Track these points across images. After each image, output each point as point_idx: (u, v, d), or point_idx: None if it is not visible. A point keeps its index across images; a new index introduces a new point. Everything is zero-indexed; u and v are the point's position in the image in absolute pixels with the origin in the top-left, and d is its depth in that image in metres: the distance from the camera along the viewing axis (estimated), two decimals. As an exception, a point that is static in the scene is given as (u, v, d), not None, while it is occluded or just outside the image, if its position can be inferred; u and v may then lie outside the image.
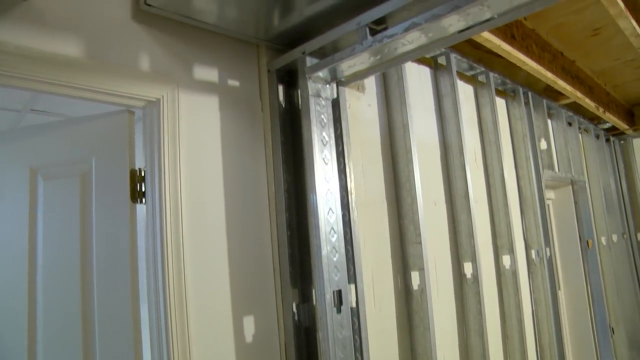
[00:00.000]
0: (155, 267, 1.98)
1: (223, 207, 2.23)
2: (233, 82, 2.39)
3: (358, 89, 2.78)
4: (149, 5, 2.05)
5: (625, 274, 6.28)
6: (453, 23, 1.88)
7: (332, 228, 2.25)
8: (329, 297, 2.18)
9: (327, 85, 2.37)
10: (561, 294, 5.34)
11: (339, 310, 2.21)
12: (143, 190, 2.08)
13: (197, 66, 2.27)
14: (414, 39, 1.98)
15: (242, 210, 2.30)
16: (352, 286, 2.35)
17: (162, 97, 2.08)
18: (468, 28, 1.94)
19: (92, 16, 1.95)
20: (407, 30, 1.90)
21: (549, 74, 3.87)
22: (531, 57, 3.57)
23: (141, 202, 2.08)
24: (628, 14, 3.07)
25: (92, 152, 2.18)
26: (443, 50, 3.30)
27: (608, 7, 2.94)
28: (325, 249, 2.19)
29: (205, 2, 2.07)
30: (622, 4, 2.92)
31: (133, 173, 2.09)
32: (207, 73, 2.30)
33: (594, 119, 6.07)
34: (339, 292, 2.24)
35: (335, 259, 2.24)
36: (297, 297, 2.35)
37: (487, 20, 1.89)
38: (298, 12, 2.24)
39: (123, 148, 2.12)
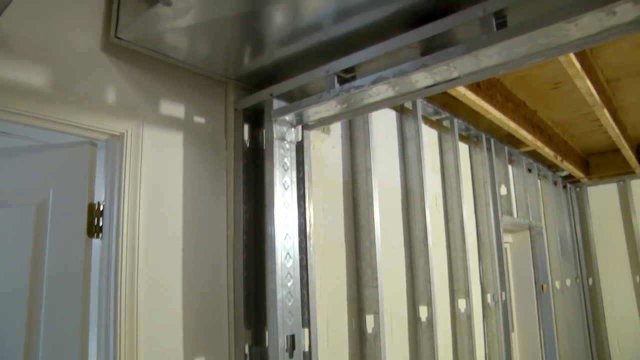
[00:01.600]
0: (107, 304, 1.95)
1: (181, 245, 2.21)
2: (199, 119, 2.40)
3: (323, 130, 2.81)
4: (120, 38, 2.05)
5: (576, 318, 6.42)
6: (420, 80, 1.94)
7: (289, 273, 2.26)
8: (282, 341, 2.17)
9: (293, 129, 2.40)
10: (514, 337, 5.42)
11: (291, 355, 2.20)
12: (100, 224, 2.05)
13: (164, 101, 2.26)
14: (381, 92, 2.02)
15: (200, 250, 2.29)
16: (306, 330, 2.35)
17: (127, 131, 2.07)
18: (435, 85, 2.00)
19: (60, 44, 1.92)
20: (374, 82, 1.94)
21: (512, 123, 3.99)
22: (495, 106, 3.68)
23: (97, 236, 2.04)
24: (584, 74, 3.20)
25: (50, 182, 2.14)
26: (409, 95, 3.37)
27: (566, 68, 3.06)
28: (280, 294, 2.19)
29: (177, 38, 2.08)
30: (578, 66, 3.04)
31: (91, 207, 2.06)
32: (174, 108, 2.30)
33: (553, 167, 6.25)
34: (292, 336, 2.23)
35: (290, 303, 2.23)
36: (250, 338, 2.33)
37: (454, 79, 1.95)
38: (268, 53, 2.26)
39: (83, 180, 2.09)
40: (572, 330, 6.20)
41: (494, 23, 1.72)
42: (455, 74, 1.86)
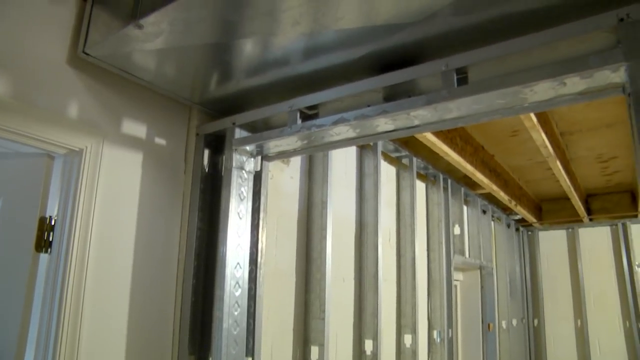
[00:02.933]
0: (49, 323, 1.91)
1: (131, 265, 2.19)
2: (160, 141, 2.40)
3: (283, 161, 2.85)
4: (87, 54, 2.04)
5: (520, 357, 6.54)
6: (380, 124, 2.00)
7: (237, 302, 2.26)
8: (224, 370, 2.16)
9: (252, 159, 2.42)
10: (458, 373, 5.50)
11: (232, 384, 2.19)
12: (50, 239, 2.02)
13: (127, 120, 2.26)
14: (341, 132, 2.07)
15: (150, 272, 2.27)
16: (250, 359, 2.35)
17: (86, 147, 2.05)
18: (395, 130, 2.05)
19: (23, 54, 1.90)
20: (335, 123, 1.99)
21: (469, 166, 4.10)
22: (454, 149, 3.78)
23: (46, 251, 2.01)
24: (540, 128, 3.33)
25: (0, 192, 2.11)
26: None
27: (523, 120, 3.19)
28: (227, 322, 2.19)
29: (145, 60, 2.09)
30: (535, 119, 3.17)
31: (42, 220, 2.03)
32: (136, 128, 2.30)
33: (507, 210, 6.42)
34: (236, 364, 2.23)
35: (235, 332, 2.23)
36: None
37: (414, 127, 2.01)
38: (235, 82, 2.29)
39: (36, 193, 2.06)
40: (516, 369, 6.33)
41: (455, 78, 1.79)
42: (415, 122, 1.93)
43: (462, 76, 1.85)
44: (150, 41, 1.92)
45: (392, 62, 2.00)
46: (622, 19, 1.57)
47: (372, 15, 1.73)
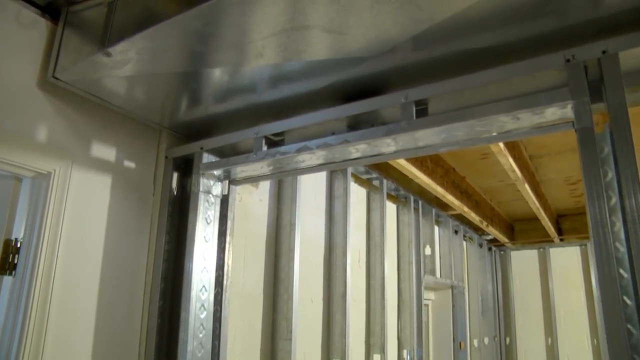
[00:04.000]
0: (9, 345, 1.91)
1: (97, 288, 2.20)
2: (129, 164, 2.43)
3: (252, 184, 2.89)
4: (57, 78, 2.07)
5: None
6: (344, 153, 2.06)
7: (202, 324, 2.29)
8: (188, 392, 2.18)
9: (220, 183, 2.46)
10: (430, 392, 5.54)
11: (196, 406, 2.21)
12: (15, 262, 2.03)
13: (97, 143, 2.29)
14: (305, 159, 2.12)
15: (116, 295, 2.28)
16: (215, 381, 2.37)
17: (55, 170, 2.08)
18: (358, 158, 2.12)
19: (-6, 78, 1.93)
20: (299, 151, 2.04)
21: (439, 188, 4.18)
22: (424, 172, 3.86)
23: (10, 274, 2.02)
24: (507, 153, 3.43)
25: (-34, 213, 2.11)
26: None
27: (490, 145, 3.27)
28: (191, 345, 2.22)
29: (115, 85, 2.12)
30: (501, 145, 3.26)
31: (7, 243, 2.04)
32: (106, 151, 2.33)
33: (479, 230, 6.52)
34: (200, 387, 2.25)
35: (200, 354, 2.26)
36: None
37: (376, 155, 2.08)
38: (203, 108, 2.34)
39: (2, 215, 2.07)
40: (484, 387, 6.40)
41: (414, 110, 1.86)
42: (376, 152, 1.99)
43: (422, 108, 1.92)
44: (118, 68, 1.96)
45: (356, 93, 2.07)
46: (568, 60, 1.66)
47: (332, 48, 1.80)
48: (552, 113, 1.74)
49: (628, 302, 1.46)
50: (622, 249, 1.50)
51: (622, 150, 1.55)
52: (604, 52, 1.62)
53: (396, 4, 1.55)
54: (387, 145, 1.94)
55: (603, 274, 1.47)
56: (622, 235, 1.51)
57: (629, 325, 1.44)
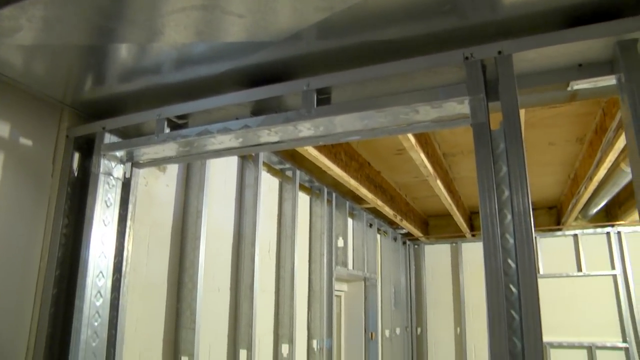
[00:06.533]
0: None
1: (-20, 273, 2.06)
2: (26, 141, 2.27)
3: (159, 168, 2.80)
4: (-57, 48, 1.92)
5: (401, 365, 6.82)
6: (245, 138, 2.02)
7: (98, 312, 2.20)
8: (79, 383, 2.09)
9: (122, 165, 2.37)
10: (341, 382, 5.62)
11: (88, 398, 2.12)
12: None
13: (-16, 118, 2.14)
14: (207, 144, 2.08)
15: (3, 282, 2.13)
16: (109, 372, 2.28)
17: None
18: (259, 145, 2.09)
19: None
20: (200, 134, 2.00)
21: (352, 181, 4.22)
22: (337, 164, 3.88)
23: None
24: (419, 148, 3.50)
25: None
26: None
27: (402, 140, 3.33)
28: (85, 334, 2.12)
29: (9, 55, 1.98)
30: (413, 140, 3.33)
31: None
32: (-2, 127, 2.17)
33: (393, 224, 6.67)
34: (93, 378, 2.16)
35: (94, 344, 2.17)
36: None
37: (277, 143, 2.06)
38: (108, 87, 2.24)
39: None
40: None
41: (315, 98, 1.86)
42: (276, 139, 1.98)
43: (326, 97, 1.93)
44: (8, 36, 1.83)
45: (261, 79, 2.04)
46: (467, 58, 1.71)
47: (232, 31, 1.76)
48: (451, 108, 1.79)
49: (513, 290, 1.52)
50: (511, 240, 1.55)
51: (512, 147, 1.62)
52: (499, 52, 1.69)
53: (295, -11, 1.54)
54: (286, 132, 1.94)
55: (489, 263, 1.53)
56: (512, 229, 1.56)
57: (512, 311, 1.50)
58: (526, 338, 1.46)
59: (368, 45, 1.85)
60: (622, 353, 6.55)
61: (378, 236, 6.38)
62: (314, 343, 4.28)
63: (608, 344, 6.63)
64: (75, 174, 2.39)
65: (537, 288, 1.48)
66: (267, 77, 2.03)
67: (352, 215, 5.51)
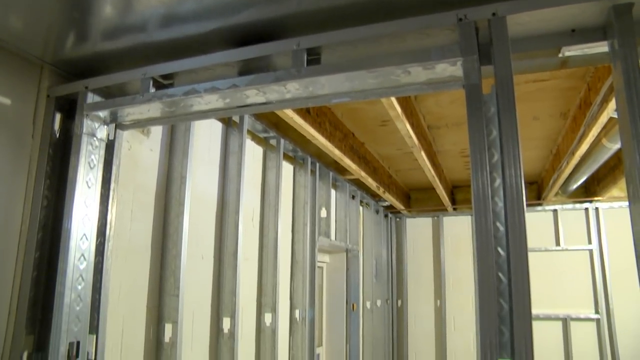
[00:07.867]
0: None
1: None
2: (4, 100, 2.19)
3: (143, 132, 2.74)
4: None
5: (382, 335, 6.92)
6: (233, 98, 1.99)
7: (81, 275, 2.16)
8: (63, 349, 2.06)
9: (105, 126, 2.32)
10: (322, 351, 5.67)
11: (73, 362, 2.10)
12: None
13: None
14: (194, 104, 2.04)
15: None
16: (94, 337, 2.25)
17: None
18: (246, 106, 2.06)
19: None
20: (186, 94, 1.96)
21: (337, 151, 4.20)
22: (322, 133, 3.85)
23: None
24: (404, 118, 3.48)
25: None
26: (240, 109, 3.42)
27: (388, 109, 3.31)
28: (68, 297, 2.09)
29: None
30: (399, 109, 3.30)
31: None
32: (-28, 83, 2.09)
33: (376, 196, 6.68)
34: (77, 343, 2.13)
35: (78, 308, 2.14)
36: (30, 345, 2.15)
37: (264, 104, 2.02)
38: (91, 44, 2.17)
39: None
40: (378, 346, 6.66)
41: (305, 58, 1.83)
42: (263, 99, 1.94)
43: (316, 57, 1.89)
44: (-17, -12, 1.76)
45: (250, 38, 1.99)
46: (460, 19, 1.69)
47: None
48: (443, 69, 1.77)
49: (501, 252, 1.53)
50: (500, 203, 1.56)
51: (505, 111, 1.61)
52: (493, 14, 1.67)
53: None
54: (274, 92, 1.91)
55: (479, 222, 1.53)
56: (501, 192, 1.57)
57: (499, 273, 1.51)
58: (515, 300, 1.47)
59: (360, 5, 1.82)
60: (594, 324, 6.74)
61: (360, 208, 6.39)
62: (297, 313, 4.29)
63: (582, 316, 6.81)
64: (57, 135, 2.33)
65: (527, 251, 1.49)
66: (256, 37, 1.98)
67: (335, 187, 5.50)
